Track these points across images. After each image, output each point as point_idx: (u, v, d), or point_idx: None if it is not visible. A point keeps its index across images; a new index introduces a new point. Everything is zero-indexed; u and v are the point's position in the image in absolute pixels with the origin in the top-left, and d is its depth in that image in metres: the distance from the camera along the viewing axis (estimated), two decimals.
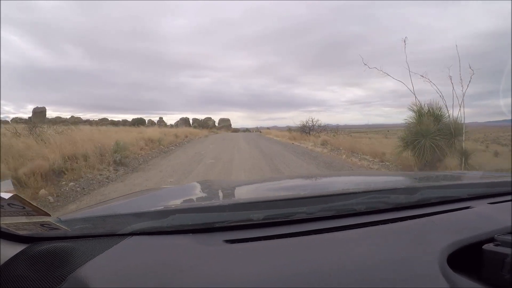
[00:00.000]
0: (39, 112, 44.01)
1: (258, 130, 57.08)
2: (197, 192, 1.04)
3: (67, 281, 0.50)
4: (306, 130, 20.57)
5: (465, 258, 0.54)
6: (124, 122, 44.15)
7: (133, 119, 49.13)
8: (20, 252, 0.57)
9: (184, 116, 56.97)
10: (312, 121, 21.01)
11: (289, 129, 26.38)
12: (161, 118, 53.76)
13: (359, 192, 0.75)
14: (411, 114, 6.74)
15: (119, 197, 1.12)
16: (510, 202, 0.80)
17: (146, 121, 50.10)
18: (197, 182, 1.18)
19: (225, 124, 58.15)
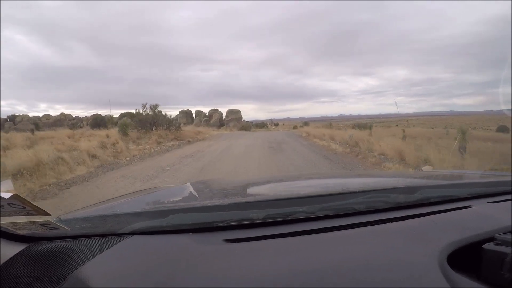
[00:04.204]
0: None
1: (274, 123, 44.59)
2: (197, 192, 1.04)
3: (67, 280, 0.50)
4: None
5: (465, 257, 0.54)
6: (110, 119, 37.03)
7: (92, 115, 34.02)
8: (20, 251, 0.57)
9: (186, 108, 45.86)
10: None
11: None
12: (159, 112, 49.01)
13: (359, 192, 0.75)
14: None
15: (119, 196, 1.11)
16: (510, 202, 0.80)
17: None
18: (197, 181, 1.17)
19: (234, 116, 44.71)
